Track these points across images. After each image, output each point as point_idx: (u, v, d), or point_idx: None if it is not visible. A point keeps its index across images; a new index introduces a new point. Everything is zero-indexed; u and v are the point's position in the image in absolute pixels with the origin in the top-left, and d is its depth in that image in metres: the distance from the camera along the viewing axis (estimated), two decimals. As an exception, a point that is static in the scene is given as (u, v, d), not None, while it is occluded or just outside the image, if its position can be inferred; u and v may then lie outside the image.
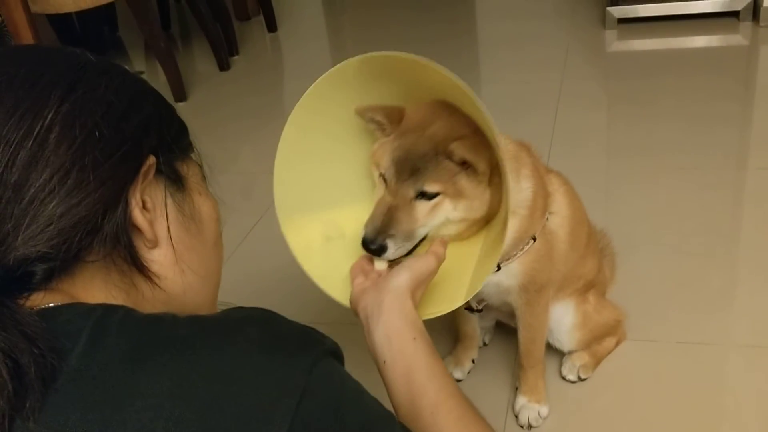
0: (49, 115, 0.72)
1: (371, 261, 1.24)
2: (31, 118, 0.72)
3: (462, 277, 1.23)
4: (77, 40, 4.04)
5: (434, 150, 1.20)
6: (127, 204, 0.77)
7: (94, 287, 0.76)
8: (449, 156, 1.19)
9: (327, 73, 1.18)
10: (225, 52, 3.83)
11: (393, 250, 1.21)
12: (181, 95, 3.45)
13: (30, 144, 0.71)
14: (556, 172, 1.51)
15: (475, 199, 1.22)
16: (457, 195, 1.21)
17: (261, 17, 4.32)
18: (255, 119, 3.23)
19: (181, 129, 0.91)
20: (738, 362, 1.66)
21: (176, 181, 0.86)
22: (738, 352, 1.69)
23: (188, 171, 0.89)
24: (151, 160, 0.80)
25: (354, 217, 1.28)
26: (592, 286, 1.61)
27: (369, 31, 4.19)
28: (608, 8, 3.54)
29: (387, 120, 1.26)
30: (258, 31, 4.37)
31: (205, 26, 3.75)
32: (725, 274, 1.93)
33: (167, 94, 3.39)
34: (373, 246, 1.20)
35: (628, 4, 3.52)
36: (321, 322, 1.79)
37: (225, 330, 0.71)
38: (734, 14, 3.43)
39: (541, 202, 1.37)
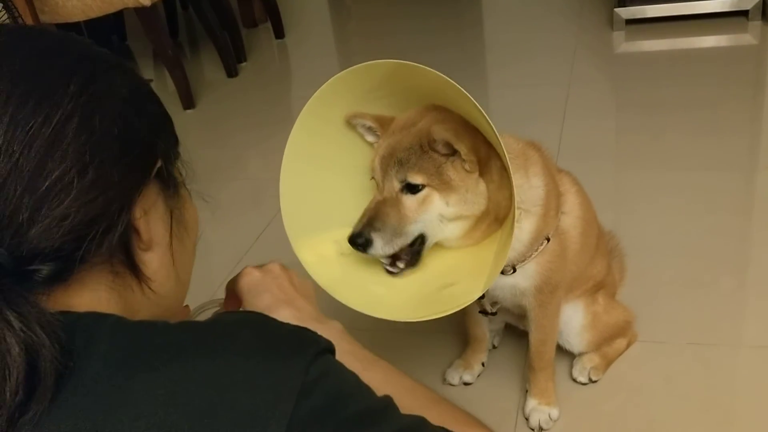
0: (69, 105, 0.69)
1: None
2: (48, 105, 0.68)
3: (478, 276, 1.21)
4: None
5: (418, 142, 1.20)
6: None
7: (89, 289, 0.73)
8: (431, 144, 1.19)
9: (319, 90, 1.18)
10: (233, 59, 3.84)
11: (380, 245, 1.20)
12: (189, 103, 3.46)
13: (48, 132, 0.67)
14: (567, 171, 1.50)
15: (467, 192, 1.21)
16: (445, 188, 1.21)
17: (268, 24, 4.33)
18: (263, 125, 3.23)
19: (175, 134, 0.88)
20: (750, 363, 1.65)
21: (172, 185, 0.84)
22: (750, 353, 1.67)
23: (180, 175, 0.87)
24: (159, 162, 0.79)
25: None
26: (602, 287, 1.61)
27: (376, 37, 4.19)
28: (616, 9, 3.53)
29: (378, 124, 1.26)
30: (265, 38, 4.38)
31: (212, 34, 3.76)
32: (736, 274, 1.92)
33: (175, 102, 3.42)
34: (359, 240, 1.19)
35: (635, 5, 3.52)
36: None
37: (218, 335, 0.70)
38: (743, 13, 3.42)
39: (554, 201, 1.37)
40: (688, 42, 3.42)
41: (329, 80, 1.17)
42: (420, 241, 1.25)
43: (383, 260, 1.26)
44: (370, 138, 1.31)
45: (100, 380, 0.63)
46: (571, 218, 1.42)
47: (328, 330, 0.99)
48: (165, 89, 3.67)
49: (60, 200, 0.68)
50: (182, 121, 3.34)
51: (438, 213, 1.22)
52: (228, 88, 3.75)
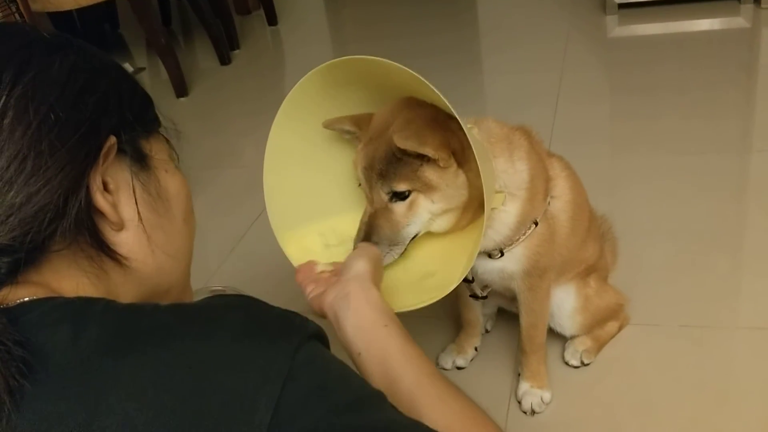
0: (1, 100, 0.69)
1: (313, 267, 1.23)
2: None
3: (458, 264, 1.23)
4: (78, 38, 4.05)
5: (392, 151, 1.20)
6: (87, 188, 0.75)
7: (64, 275, 0.74)
8: (401, 151, 1.19)
9: (293, 89, 1.20)
10: (226, 47, 3.83)
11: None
12: (182, 91, 3.46)
13: None
14: (558, 156, 1.50)
15: (448, 187, 1.22)
16: (427, 188, 1.22)
17: (261, 11, 4.32)
18: (257, 113, 3.21)
19: (145, 104, 0.87)
20: (742, 345, 1.66)
21: (140, 160, 0.83)
22: (742, 335, 1.68)
23: (153, 148, 0.86)
24: (112, 140, 0.78)
25: (352, 223, 1.29)
26: (594, 271, 1.61)
27: (370, 23, 4.18)
28: (608, -7, 3.53)
29: (356, 127, 1.27)
30: (258, 25, 4.37)
31: (205, 21, 3.75)
32: (729, 257, 1.92)
33: (169, 90, 3.42)
34: None
35: (628, -11, 3.51)
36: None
37: (207, 318, 0.70)
38: (735, -4, 3.42)
39: (542, 185, 1.37)
40: (681, 26, 3.42)
41: (295, 86, 1.19)
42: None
43: None
44: (348, 135, 1.32)
45: (90, 363, 0.64)
46: (561, 203, 1.42)
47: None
48: (158, 77, 3.67)
49: (2, 197, 0.69)
50: (175, 109, 3.34)
51: (427, 212, 1.24)
52: (221, 75, 3.74)
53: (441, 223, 1.27)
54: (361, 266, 1.08)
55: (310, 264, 1.24)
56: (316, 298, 1.11)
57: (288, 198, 1.30)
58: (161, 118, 0.90)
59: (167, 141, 0.91)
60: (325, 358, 0.73)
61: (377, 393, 0.76)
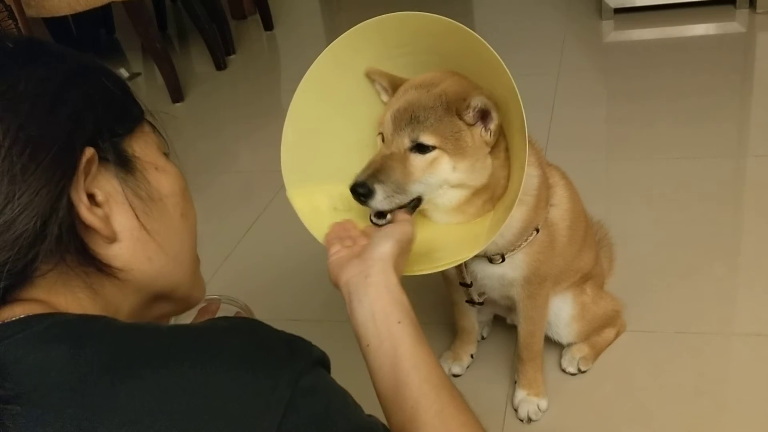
0: None
1: (348, 228, 1.18)
2: None
3: (471, 246, 1.19)
4: (74, 43, 4.04)
5: (443, 105, 1.18)
6: (70, 205, 0.71)
7: (55, 293, 0.71)
8: (460, 109, 1.17)
9: (349, 31, 1.20)
10: (221, 52, 3.83)
11: (381, 197, 1.15)
12: (178, 96, 3.45)
13: None
14: (555, 165, 1.50)
15: (476, 161, 1.19)
16: (457, 153, 1.18)
17: (257, 16, 4.32)
18: (252, 117, 3.23)
19: (124, 102, 0.81)
20: (738, 351, 1.66)
21: (125, 165, 0.78)
22: (738, 340, 1.68)
23: (138, 146, 0.80)
24: (89, 152, 0.73)
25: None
26: (590, 278, 1.61)
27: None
28: (604, -2, 3.53)
29: (390, 86, 1.26)
30: (254, 30, 4.37)
31: (201, 26, 3.74)
32: (725, 262, 1.92)
33: (164, 95, 3.41)
34: (361, 189, 1.15)
35: (624, -6, 3.52)
36: (315, 319, 1.79)
37: (208, 342, 0.68)
38: (731, 1, 3.42)
39: (545, 192, 1.37)
40: (677, 30, 3.43)
41: (363, 23, 1.18)
42: (415, 203, 1.22)
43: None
44: (384, 98, 1.29)
45: (87, 384, 0.62)
46: (559, 211, 1.42)
47: None
48: (154, 82, 3.66)
49: None
50: (171, 114, 3.33)
51: (443, 177, 1.20)
52: (217, 80, 3.74)
53: (449, 198, 1.23)
54: (387, 248, 1.03)
55: (346, 224, 1.19)
56: (337, 263, 1.07)
57: (305, 150, 1.26)
58: (142, 105, 0.84)
59: (154, 128, 0.85)
60: (327, 386, 0.72)
61: (375, 423, 0.75)
